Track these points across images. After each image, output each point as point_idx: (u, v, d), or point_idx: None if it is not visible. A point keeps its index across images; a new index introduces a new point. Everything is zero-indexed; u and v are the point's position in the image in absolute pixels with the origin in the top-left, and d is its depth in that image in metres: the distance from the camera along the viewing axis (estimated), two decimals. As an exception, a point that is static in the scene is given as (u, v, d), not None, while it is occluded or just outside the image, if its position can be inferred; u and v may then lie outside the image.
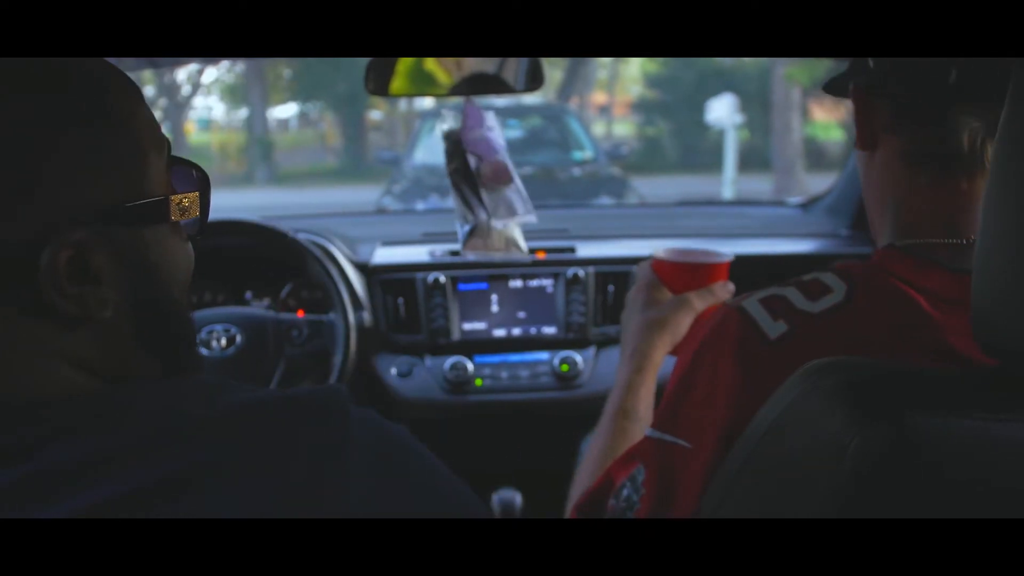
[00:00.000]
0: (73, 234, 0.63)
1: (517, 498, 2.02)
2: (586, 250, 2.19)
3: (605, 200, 7.33)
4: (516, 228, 1.79)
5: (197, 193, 0.73)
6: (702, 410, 0.90)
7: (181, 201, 0.71)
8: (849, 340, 0.84)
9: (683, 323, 1.21)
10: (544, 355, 2.08)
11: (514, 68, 1.70)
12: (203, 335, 1.89)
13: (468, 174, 1.73)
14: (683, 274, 1.25)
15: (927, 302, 0.85)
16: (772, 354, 0.86)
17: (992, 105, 0.85)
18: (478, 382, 2.04)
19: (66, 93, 0.64)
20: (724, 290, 1.25)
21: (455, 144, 1.74)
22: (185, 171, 0.74)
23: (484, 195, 1.72)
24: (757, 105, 13.64)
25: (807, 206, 2.62)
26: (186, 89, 18.59)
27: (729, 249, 2.26)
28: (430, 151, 7.84)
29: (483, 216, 1.74)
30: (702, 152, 15.27)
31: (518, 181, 1.74)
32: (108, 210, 0.65)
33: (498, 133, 1.74)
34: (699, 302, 1.22)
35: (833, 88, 1.06)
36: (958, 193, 0.90)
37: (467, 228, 1.75)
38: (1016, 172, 0.63)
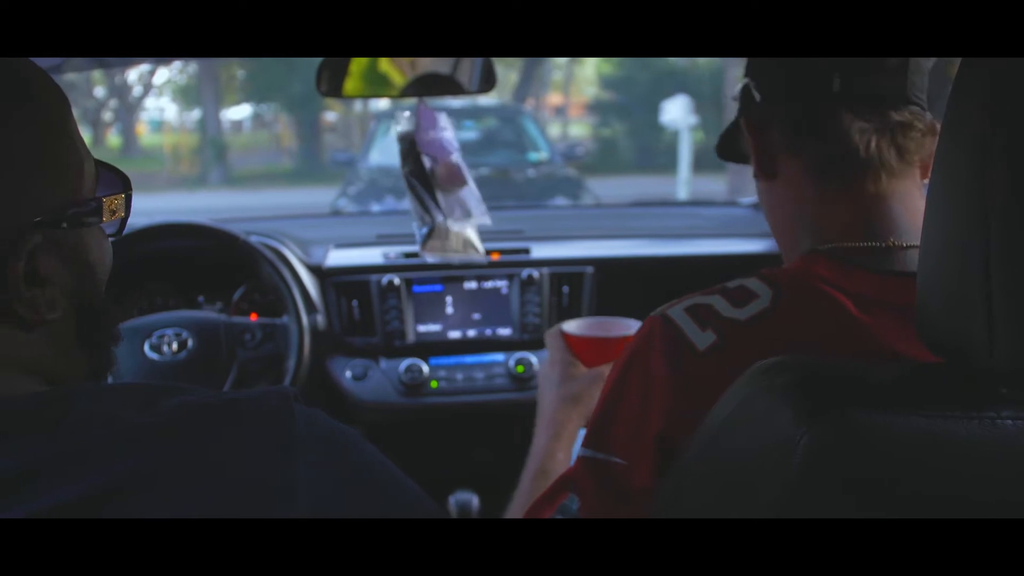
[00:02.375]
0: (30, 240, 0.64)
1: (474, 500, 2.02)
2: (541, 251, 2.19)
3: (560, 201, 7.33)
4: (472, 229, 1.78)
5: (123, 195, 0.76)
6: (635, 423, 0.89)
7: (112, 203, 0.73)
8: (778, 346, 0.83)
9: (595, 395, 1.18)
10: (499, 356, 2.08)
11: (468, 69, 1.70)
12: (154, 339, 1.86)
13: (423, 176, 1.72)
14: (594, 348, 1.25)
15: (853, 305, 0.86)
16: (703, 366, 0.85)
17: (878, 106, 0.90)
18: (433, 384, 2.04)
19: (14, 111, 0.65)
20: None
21: (410, 145, 1.73)
22: (108, 175, 0.76)
23: (440, 196, 1.72)
24: (711, 106, 13.75)
25: (759, 206, 2.64)
26: (137, 90, 18.40)
27: (683, 249, 2.29)
28: (385, 152, 7.80)
29: (440, 218, 1.74)
30: (657, 153, 15.37)
31: (472, 183, 1.74)
32: (56, 215, 0.67)
33: (451, 134, 1.74)
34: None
35: (724, 150, 1.11)
36: (866, 195, 0.92)
37: (424, 230, 1.75)
38: (958, 171, 0.64)
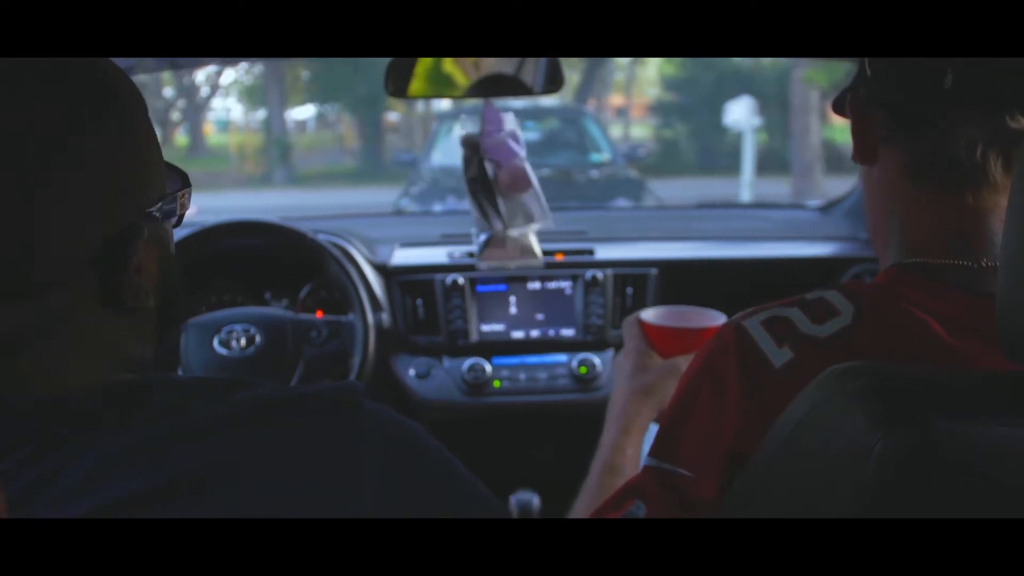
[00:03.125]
0: (145, 229, 0.68)
1: (535, 500, 2.01)
2: (605, 252, 2.19)
3: (622, 202, 7.31)
4: (532, 234, 1.78)
5: (188, 190, 0.77)
6: (705, 436, 0.86)
7: (183, 198, 0.75)
8: None
9: (670, 390, 1.11)
10: (562, 357, 2.08)
11: (532, 70, 1.70)
12: (223, 335, 1.89)
13: (486, 182, 1.73)
14: (672, 339, 1.22)
15: (942, 328, 0.81)
16: (778, 383, 0.82)
17: (992, 111, 0.82)
18: (496, 384, 2.04)
19: (134, 103, 0.69)
20: None
21: (473, 150, 1.74)
22: (171, 171, 0.78)
23: (501, 203, 1.72)
24: (775, 108, 13.60)
25: (826, 209, 2.60)
26: (205, 90, 18.71)
27: (748, 252, 2.27)
28: (448, 153, 7.86)
29: (499, 226, 1.74)
30: (720, 154, 15.25)
31: (537, 186, 1.74)
32: (155, 207, 0.70)
33: (518, 136, 1.74)
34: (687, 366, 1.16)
35: (840, 106, 1.00)
36: (964, 209, 0.86)
37: (483, 238, 1.75)
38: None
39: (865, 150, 0.93)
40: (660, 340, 1.23)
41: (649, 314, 1.26)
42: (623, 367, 1.23)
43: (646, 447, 0.95)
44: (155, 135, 0.72)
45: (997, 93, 0.83)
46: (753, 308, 0.89)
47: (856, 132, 0.94)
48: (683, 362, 1.17)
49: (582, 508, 1.11)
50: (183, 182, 0.77)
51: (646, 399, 1.18)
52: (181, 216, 0.78)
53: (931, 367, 0.79)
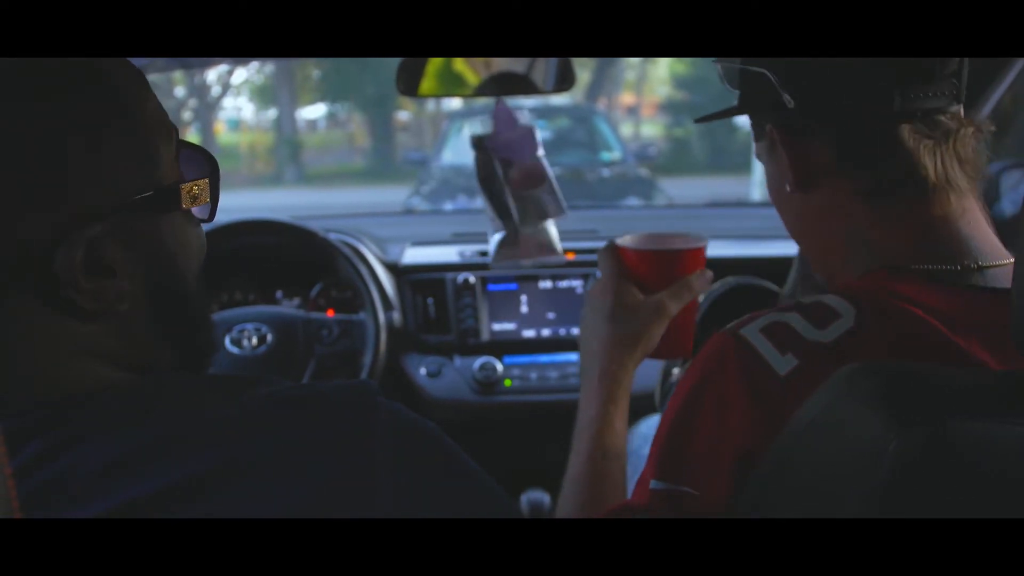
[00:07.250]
0: (88, 229, 0.63)
1: (546, 499, 2.01)
2: (615, 251, 2.18)
3: (633, 201, 7.30)
4: (551, 229, 1.77)
5: (207, 180, 0.73)
6: (711, 452, 0.82)
7: (192, 189, 0.70)
8: None
9: (657, 333, 1.05)
10: (573, 356, 2.08)
11: (543, 69, 1.70)
12: (234, 334, 1.90)
13: (497, 182, 1.72)
14: (657, 264, 1.07)
15: (943, 324, 0.79)
16: (785, 391, 0.78)
17: (940, 116, 0.84)
18: (507, 383, 2.04)
19: (77, 94, 0.64)
20: (701, 281, 1.08)
21: (483, 151, 1.73)
22: (194, 157, 0.73)
23: (512, 202, 1.71)
24: (786, 106, 13.53)
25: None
26: (216, 90, 18.71)
27: (760, 251, 2.26)
28: (458, 152, 7.86)
29: (511, 226, 1.73)
30: (730, 153, 15.18)
31: (552, 180, 1.73)
32: (122, 203, 0.65)
33: (533, 132, 1.73)
34: (674, 304, 1.05)
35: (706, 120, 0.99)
36: (932, 219, 0.85)
37: (496, 239, 1.74)
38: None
39: (804, 179, 0.91)
40: (644, 267, 1.07)
41: (627, 240, 1.10)
42: (601, 306, 1.06)
43: (632, 443, 0.91)
44: (138, 121, 0.67)
45: (939, 100, 0.84)
46: (748, 316, 0.86)
47: (793, 166, 0.91)
48: (669, 299, 1.05)
49: (573, 501, 1.02)
50: (204, 169, 0.73)
51: (632, 351, 1.04)
52: (213, 206, 0.74)
53: (939, 365, 0.77)
